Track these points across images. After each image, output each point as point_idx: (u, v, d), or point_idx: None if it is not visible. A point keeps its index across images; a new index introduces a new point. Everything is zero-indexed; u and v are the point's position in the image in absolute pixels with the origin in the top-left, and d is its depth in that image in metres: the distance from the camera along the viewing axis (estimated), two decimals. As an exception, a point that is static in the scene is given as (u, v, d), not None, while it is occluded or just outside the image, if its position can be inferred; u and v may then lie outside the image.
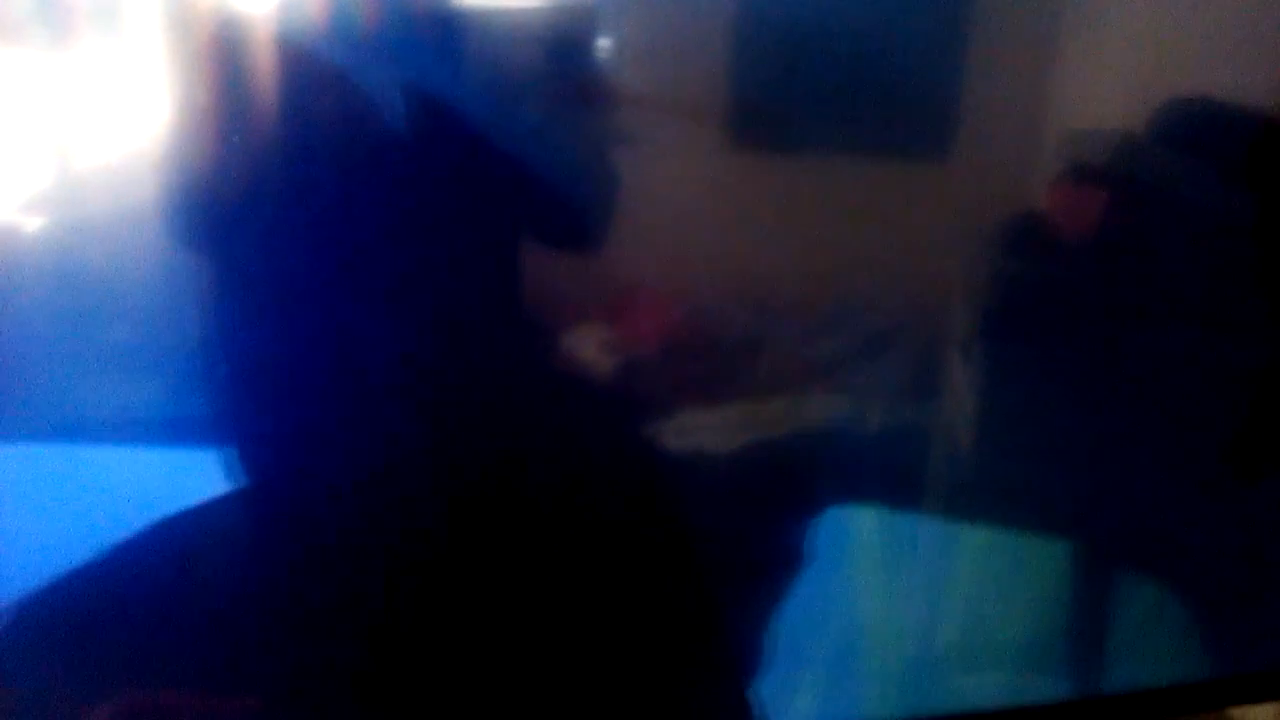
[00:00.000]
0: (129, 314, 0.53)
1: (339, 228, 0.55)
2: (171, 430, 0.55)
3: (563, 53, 0.56)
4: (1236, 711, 0.83)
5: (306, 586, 0.60)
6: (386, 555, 0.60)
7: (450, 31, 0.54)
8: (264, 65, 0.52)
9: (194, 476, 0.56)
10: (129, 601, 0.56)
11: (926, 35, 0.60)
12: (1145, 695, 0.76)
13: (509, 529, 0.62)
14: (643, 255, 0.61)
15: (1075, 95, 0.64)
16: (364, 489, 0.59)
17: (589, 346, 0.61)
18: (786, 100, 0.60)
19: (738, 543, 0.67)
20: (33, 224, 0.52)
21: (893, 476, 0.68)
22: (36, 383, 0.53)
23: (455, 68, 0.54)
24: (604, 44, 0.56)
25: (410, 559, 0.61)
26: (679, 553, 0.65)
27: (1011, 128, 0.64)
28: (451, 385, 0.59)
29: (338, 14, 0.52)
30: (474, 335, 0.59)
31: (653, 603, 0.65)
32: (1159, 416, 0.71)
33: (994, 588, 0.72)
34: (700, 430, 0.64)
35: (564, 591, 0.64)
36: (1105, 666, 0.76)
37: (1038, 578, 0.73)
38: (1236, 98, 0.66)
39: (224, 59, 0.51)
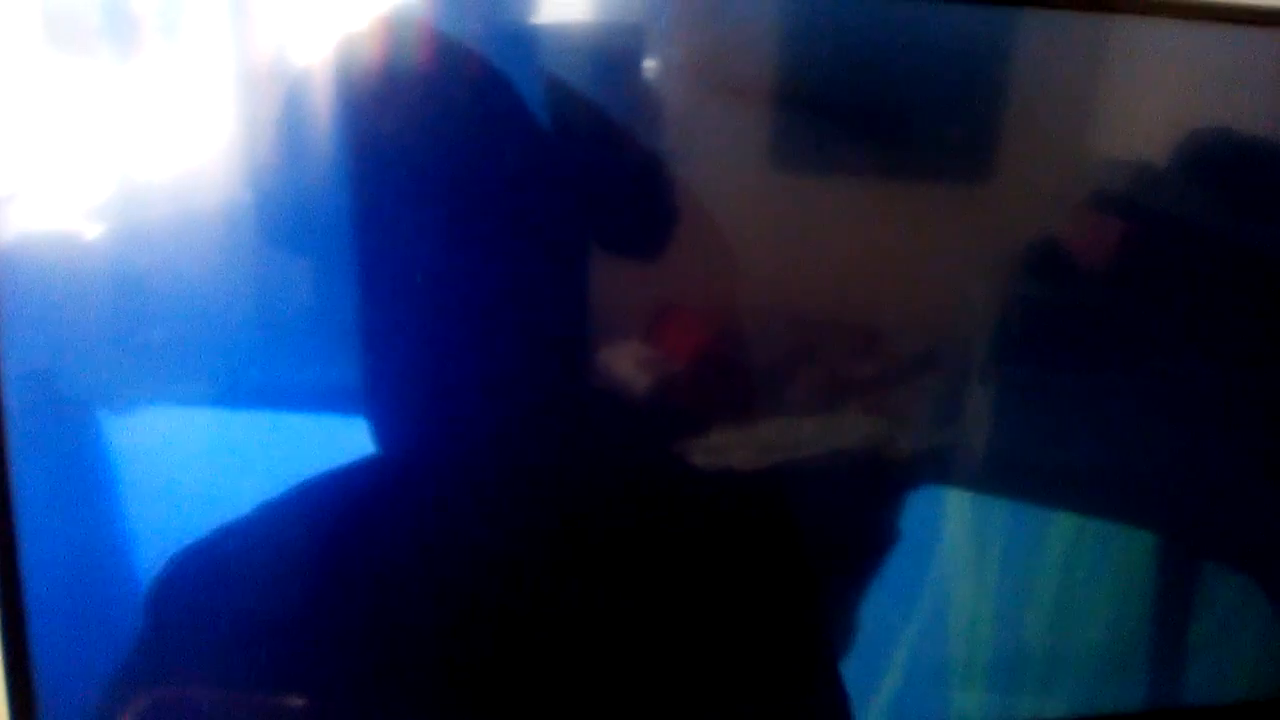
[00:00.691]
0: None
1: (408, 233, 0.56)
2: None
3: (614, 68, 0.57)
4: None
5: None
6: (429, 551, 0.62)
7: (514, 46, 0.55)
8: (337, 78, 0.53)
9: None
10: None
11: (963, 66, 0.62)
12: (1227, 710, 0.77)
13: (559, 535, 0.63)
14: (681, 274, 0.62)
15: (1104, 127, 0.66)
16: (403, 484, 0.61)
17: (626, 363, 0.62)
18: (827, 125, 0.61)
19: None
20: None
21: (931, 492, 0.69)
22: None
23: (517, 80, 0.56)
24: (652, 63, 0.58)
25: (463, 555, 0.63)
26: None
27: (1044, 158, 0.65)
28: (497, 387, 0.60)
29: (398, 32, 0.53)
30: (517, 342, 0.60)
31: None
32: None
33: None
34: (733, 449, 0.65)
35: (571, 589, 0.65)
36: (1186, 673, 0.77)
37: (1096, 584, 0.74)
38: (1258, 130, 0.68)
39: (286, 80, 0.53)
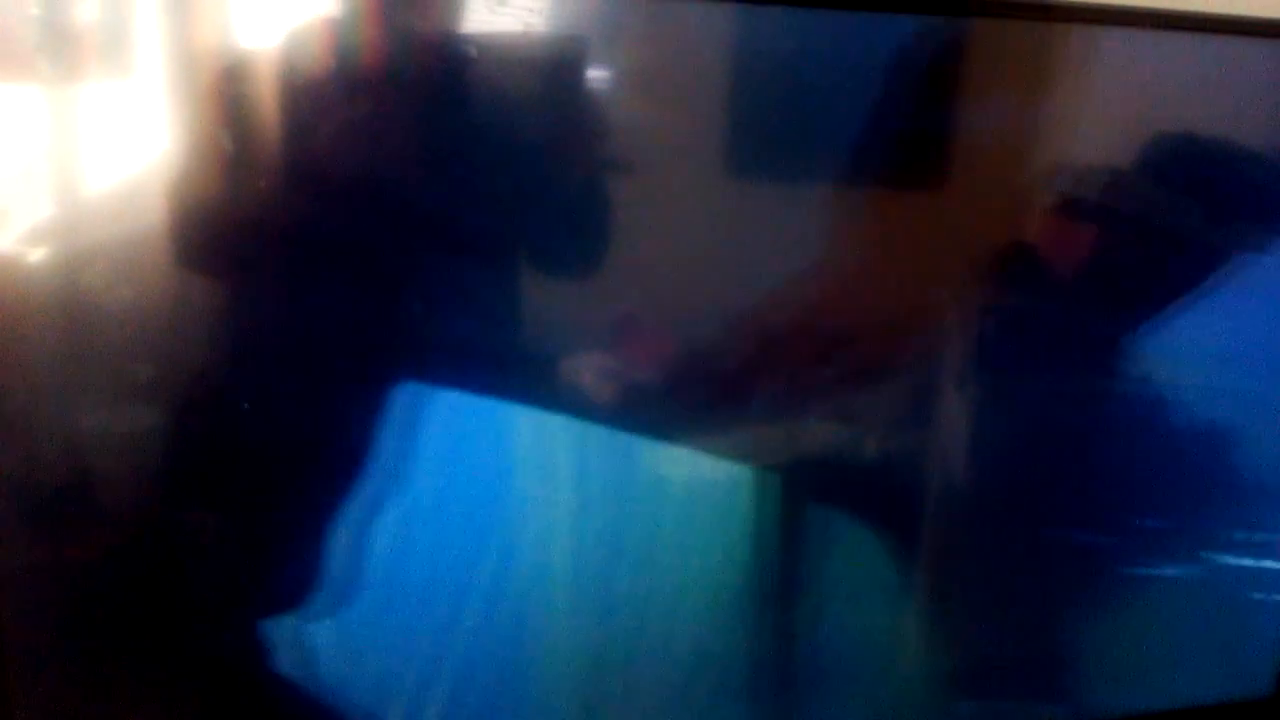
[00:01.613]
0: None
1: (343, 253, 0.56)
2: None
3: (560, 81, 0.57)
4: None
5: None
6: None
7: (454, 62, 0.55)
8: (271, 96, 0.53)
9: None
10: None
11: (922, 70, 0.61)
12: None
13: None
14: (638, 283, 0.61)
15: (1065, 131, 0.66)
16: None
17: (586, 373, 0.62)
18: (782, 131, 0.61)
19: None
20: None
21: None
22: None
23: (457, 97, 0.56)
24: (600, 74, 0.57)
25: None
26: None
27: (1004, 162, 0.65)
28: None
29: (342, 47, 0.53)
30: (474, 355, 0.60)
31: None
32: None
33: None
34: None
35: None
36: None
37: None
38: (1220, 134, 0.68)
39: (237, 90, 0.53)
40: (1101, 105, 0.65)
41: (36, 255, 0.53)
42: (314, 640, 0.60)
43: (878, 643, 0.71)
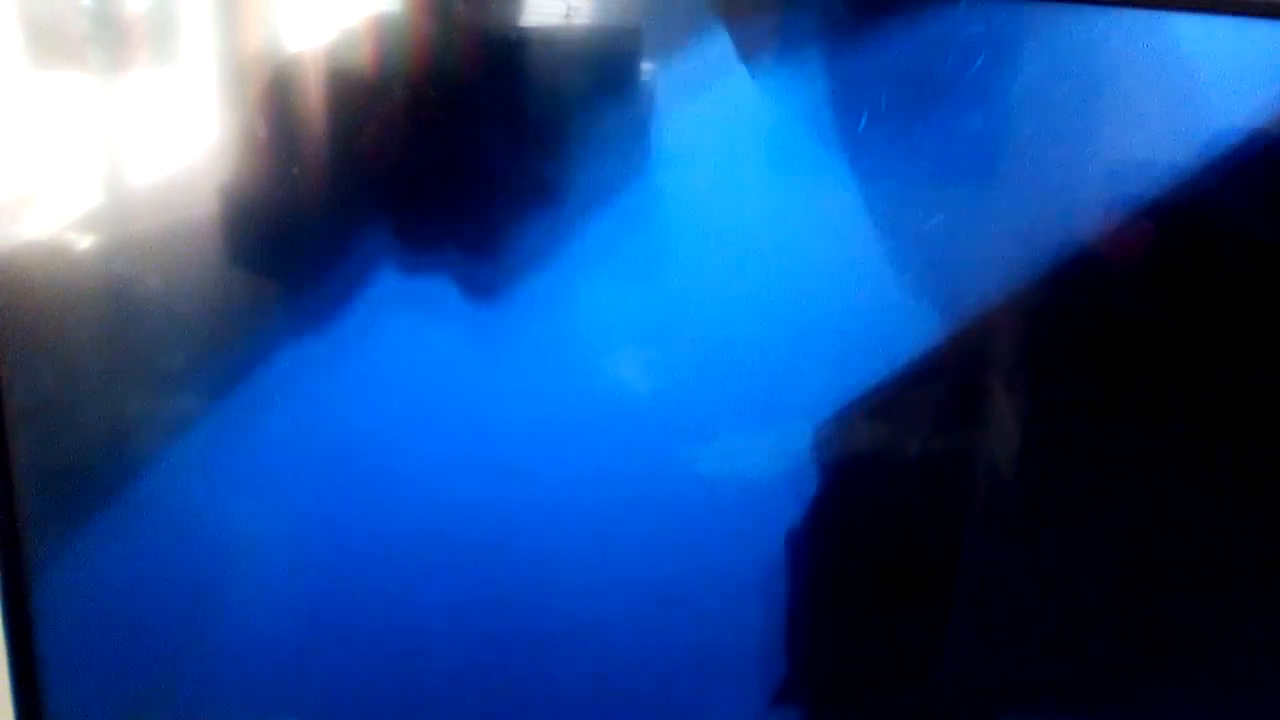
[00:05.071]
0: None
1: (387, 244, 0.56)
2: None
3: (604, 73, 0.56)
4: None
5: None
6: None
7: (500, 55, 0.54)
8: (313, 88, 0.53)
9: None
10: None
11: (974, 63, 0.60)
12: None
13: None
14: (682, 276, 0.61)
15: (1124, 128, 0.64)
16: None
17: (630, 366, 0.61)
18: (829, 124, 0.60)
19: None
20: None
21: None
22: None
23: (504, 89, 0.55)
24: (648, 66, 0.57)
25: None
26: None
27: (1060, 159, 0.63)
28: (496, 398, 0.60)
29: (386, 42, 0.53)
30: (517, 348, 0.60)
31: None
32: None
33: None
34: (740, 454, 0.64)
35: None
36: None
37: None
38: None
39: (277, 86, 0.53)
40: (1163, 95, 0.63)
41: (78, 244, 0.54)
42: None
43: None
